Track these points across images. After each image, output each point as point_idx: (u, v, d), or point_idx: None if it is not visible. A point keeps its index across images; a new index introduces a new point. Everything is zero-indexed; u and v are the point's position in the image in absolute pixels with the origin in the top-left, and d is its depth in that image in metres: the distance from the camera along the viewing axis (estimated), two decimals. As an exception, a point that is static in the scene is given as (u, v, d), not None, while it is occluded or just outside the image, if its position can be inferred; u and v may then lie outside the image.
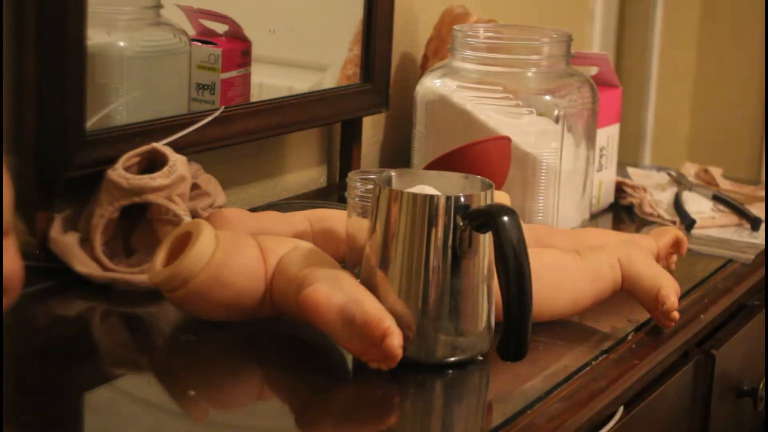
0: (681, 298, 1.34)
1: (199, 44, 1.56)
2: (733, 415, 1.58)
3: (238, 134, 1.57)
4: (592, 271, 1.32)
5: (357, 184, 1.31)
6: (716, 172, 1.96)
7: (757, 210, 1.79)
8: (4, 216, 0.90)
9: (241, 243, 1.22)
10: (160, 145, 1.37)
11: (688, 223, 1.72)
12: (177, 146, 1.40)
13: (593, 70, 1.84)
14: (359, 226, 1.29)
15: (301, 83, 1.73)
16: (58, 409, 1.07)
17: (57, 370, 1.14)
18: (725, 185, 1.94)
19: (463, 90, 1.62)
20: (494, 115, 1.60)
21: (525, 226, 1.17)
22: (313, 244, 1.26)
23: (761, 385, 1.58)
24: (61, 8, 1.31)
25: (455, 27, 1.67)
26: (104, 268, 1.32)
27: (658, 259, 1.45)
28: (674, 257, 1.50)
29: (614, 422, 1.23)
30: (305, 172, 1.79)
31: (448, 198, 1.14)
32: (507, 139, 1.52)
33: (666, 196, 1.81)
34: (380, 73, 1.80)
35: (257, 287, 1.20)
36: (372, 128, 1.90)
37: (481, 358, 1.19)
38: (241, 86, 1.60)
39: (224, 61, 1.57)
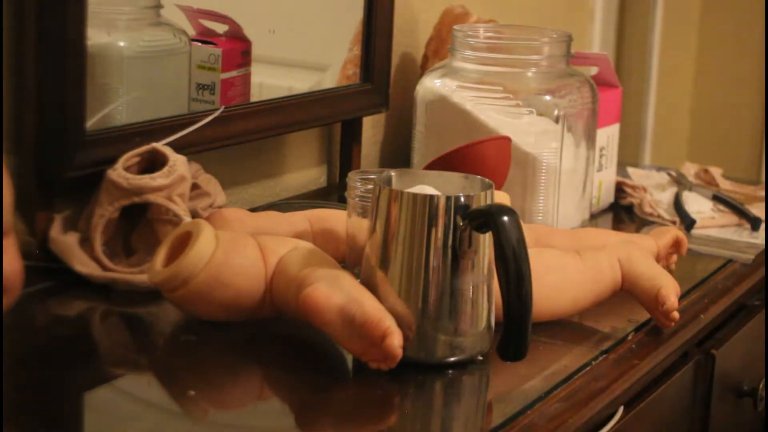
0: (681, 298, 1.34)
1: (199, 44, 1.56)
2: (733, 415, 1.58)
3: (238, 134, 1.57)
4: (592, 271, 1.32)
5: (357, 184, 1.31)
6: (716, 172, 1.96)
7: (757, 210, 1.79)
8: (4, 216, 0.90)
9: (241, 243, 1.22)
10: (160, 145, 1.37)
11: (688, 223, 1.72)
12: (177, 146, 1.40)
13: (593, 70, 1.84)
14: (359, 226, 1.29)
15: (301, 83, 1.73)
16: (58, 409, 1.07)
17: (57, 370, 1.14)
18: (725, 185, 1.94)
19: (463, 90, 1.62)
20: (494, 115, 1.60)
21: (525, 226, 1.17)
22: (313, 244, 1.26)
23: (761, 385, 1.58)
24: (61, 8, 1.31)
25: (455, 27, 1.67)
26: (104, 268, 1.32)
27: (658, 259, 1.45)
28: (674, 257, 1.50)
29: (614, 422, 1.23)
30: (305, 172, 1.79)
31: (448, 198, 1.14)
32: (507, 139, 1.52)
33: (666, 196, 1.81)
34: (380, 73, 1.80)
35: (257, 287, 1.20)
36: (372, 128, 1.90)
37: (481, 358, 1.19)
38: (241, 86, 1.60)
39: (224, 61, 1.57)
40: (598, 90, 1.67)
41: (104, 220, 1.33)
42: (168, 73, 1.52)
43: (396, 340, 1.11)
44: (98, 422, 1.06)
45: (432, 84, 1.64)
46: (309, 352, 1.20)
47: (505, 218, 1.12)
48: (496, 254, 1.12)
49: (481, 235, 1.15)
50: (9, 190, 0.92)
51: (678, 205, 1.77)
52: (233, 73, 1.58)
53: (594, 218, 1.76)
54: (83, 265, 1.32)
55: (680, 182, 1.87)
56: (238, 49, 1.59)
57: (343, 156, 1.81)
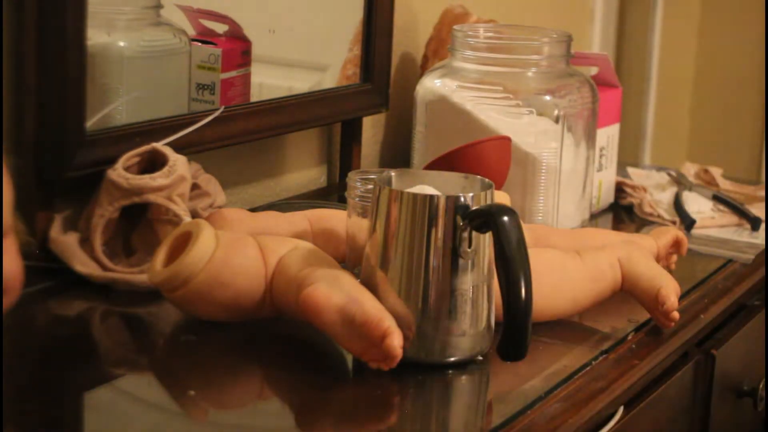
0: (681, 298, 1.34)
1: (199, 44, 1.56)
2: (733, 415, 1.58)
3: (238, 134, 1.57)
4: (592, 271, 1.32)
5: (357, 184, 1.31)
6: (716, 172, 1.96)
7: (757, 210, 1.79)
8: (4, 216, 0.90)
9: (241, 243, 1.22)
10: (160, 145, 1.37)
11: (688, 223, 1.72)
12: (177, 146, 1.40)
13: (593, 70, 1.84)
14: (359, 226, 1.29)
15: (301, 83, 1.73)
16: (58, 409, 1.07)
17: (57, 370, 1.14)
18: (725, 185, 1.94)
19: (463, 90, 1.62)
20: (494, 115, 1.60)
21: (525, 226, 1.17)
22: (313, 244, 1.26)
23: (761, 385, 1.58)
24: (61, 8, 1.31)
25: (455, 27, 1.67)
26: (104, 268, 1.32)
27: (658, 259, 1.45)
28: (674, 257, 1.50)
29: (614, 422, 1.23)
30: (305, 172, 1.79)
31: (448, 198, 1.14)
32: (507, 139, 1.52)
33: (666, 196, 1.81)
34: (380, 73, 1.80)
35: (257, 287, 1.20)
36: (372, 128, 1.90)
37: (481, 358, 1.19)
38: (241, 86, 1.60)
39: (224, 61, 1.57)
40: (598, 90, 1.67)
41: (104, 220, 1.33)
42: (168, 73, 1.52)
43: (396, 340, 1.11)
44: (98, 422, 1.06)
45: (432, 84, 1.64)
46: (309, 352, 1.20)
47: (505, 218, 1.12)
48: (496, 254, 1.12)
49: (481, 235, 1.15)
50: (9, 190, 0.92)
51: (678, 205, 1.77)
52: (233, 73, 1.58)
53: (594, 218, 1.76)
54: (83, 265, 1.32)
55: (680, 182, 1.87)
56: (238, 49, 1.59)
57: (343, 156, 1.81)
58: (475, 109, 1.60)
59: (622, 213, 1.81)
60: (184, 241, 1.21)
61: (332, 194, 1.77)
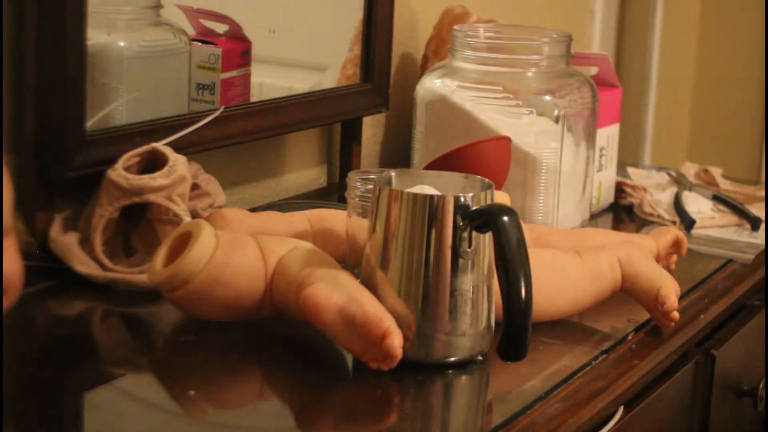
0: (681, 298, 1.34)
1: (199, 44, 1.56)
2: (733, 415, 1.58)
3: (238, 134, 1.57)
4: (592, 271, 1.32)
5: (357, 184, 1.31)
6: (716, 172, 1.96)
7: (757, 210, 1.79)
8: (4, 216, 0.90)
9: (241, 243, 1.22)
10: (160, 145, 1.37)
11: (688, 223, 1.72)
12: (177, 146, 1.40)
13: (593, 70, 1.84)
14: (359, 226, 1.29)
15: (301, 83, 1.73)
16: (58, 409, 1.07)
17: (57, 370, 1.14)
18: (725, 185, 1.94)
19: (463, 90, 1.62)
20: (494, 115, 1.60)
21: (525, 226, 1.17)
22: (313, 244, 1.26)
23: (761, 385, 1.58)
24: (61, 8, 1.31)
25: (455, 27, 1.67)
26: (104, 268, 1.32)
27: (658, 259, 1.45)
28: (674, 257, 1.50)
29: (614, 422, 1.23)
30: (305, 172, 1.79)
31: (448, 198, 1.14)
32: (507, 139, 1.52)
33: (666, 196, 1.81)
34: (380, 73, 1.80)
35: (257, 287, 1.20)
36: (372, 128, 1.90)
37: (481, 358, 1.19)
38: (241, 86, 1.60)
39: (224, 61, 1.57)
40: (598, 90, 1.67)
41: (104, 220, 1.33)
42: (168, 73, 1.52)
43: (396, 340, 1.10)
44: (98, 422, 1.06)
45: (432, 84, 1.64)
46: (309, 352, 1.20)
47: (505, 218, 1.12)
48: (496, 254, 1.12)
49: (481, 235, 1.15)
50: (9, 190, 0.92)
51: (678, 205, 1.77)
52: (233, 73, 1.58)
53: (594, 218, 1.76)
54: (83, 265, 1.32)
55: (680, 182, 1.87)
56: (238, 49, 1.59)
57: (343, 156, 1.81)
58: (475, 109, 1.60)
59: (622, 213, 1.81)
60: (184, 241, 1.21)
61: (332, 194, 1.77)
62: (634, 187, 1.82)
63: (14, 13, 1.31)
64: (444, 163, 1.45)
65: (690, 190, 1.84)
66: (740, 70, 2.92)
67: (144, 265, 1.32)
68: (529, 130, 1.59)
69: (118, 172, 1.33)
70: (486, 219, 1.13)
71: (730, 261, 1.61)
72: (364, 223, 1.25)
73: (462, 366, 1.17)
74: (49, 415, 1.05)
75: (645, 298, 1.32)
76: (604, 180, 1.78)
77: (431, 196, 1.15)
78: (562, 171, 1.60)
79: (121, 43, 1.45)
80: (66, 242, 1.33)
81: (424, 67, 1.90)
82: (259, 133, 1.61)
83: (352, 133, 1.81)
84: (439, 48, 1.88)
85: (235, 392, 1.14)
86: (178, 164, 1.35)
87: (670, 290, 1.31)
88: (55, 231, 1.34)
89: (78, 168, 1.35)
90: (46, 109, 1.32)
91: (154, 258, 1.22)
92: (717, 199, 1.81)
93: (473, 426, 1.13)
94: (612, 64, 1.85)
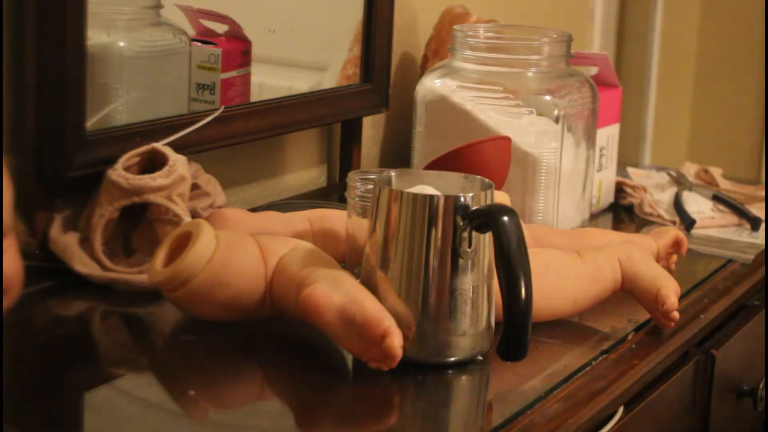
0: (681, 298, 1.34)
1: (199, 44, 1.56)
2: (733, 415, 1.58)
3: (238, 134, 1.57)
4: (592, 271, 1.32)
5: (357, 184, 1.31)
6: (716, 172, 1.96)
7: (757, 210, 1.79)
8: (4, 216, 0.90)
9: (241, 243, 1.22)
10: (160, 145, 1.37)
11: (688, 223, 1.72)
12: (177, 146, 1.40)
13: (593, 70, 1.84)
14: (359, 226, 1.29)
15: (301, 83, 1.73)
16: (58, 409, 1.07)
17: (57, 370, 1.14)
18: (725, 185, 1.94)
19: (463, 90, 1.62)
20: (494, 115, 1.60)
21: (525, 226, 1.17)
22: (313, 244, 1.26)
23: (761, 385, 1.58)
24: (61, 8, 1.31)
25: (455, 27, 1.67)
26: (104, 268, 1.32)
27: (658, 259, 1.45)
28: (674, 257, 1.50)
29: (614, 422, 1.23)
30: (305, 172, 1.79)
31: (448, 198, 1.14)
32: (507, 139, 1.52)
33: (666, 196, 1.81)
34: (380, 73, 1.80)
35: (257, 287, 1.20)
36: (372, 128, 1.90)
37: (481, 358, 1.19)
38: (241, 86, 1.60)
39: (224, 61, 1.57)
40: (598, 90, 1.67)
41: (104, 220, 1.33)
42: (168, 73, 1.52)
43: (396, 340, 1.10)
44: (98, 422, 1.06)
45: (432, 84, 1.64)
46: (309, 352, 1.20)
47: (505, 218, 1.12)
48: (496, 254, 1.12)
49: (481, 235, 1.15)
50: (9, 190, 0.92)
51: (678, 205, 1.77)
52: (233, 73, 1.58)
53: (594, 218, 1.76)
54: (83, 265, 1.32)
55: (680, 182, 1.87)
56: (238, 49, 1.59)
57: (343, 156, 1.81)
58: (475, 109, 1.60)
59: (622, 213, 1.81)
60: (184, 241, 1.21)
61: (332, 194, 1.77)
62: (634, 187, 1.82)
63: (14, 14, 1.31)
64: (444, 163, 1.45)
65: (690, 190, 1.84)
66: (740, 70, 2.92)
67: (144, 265, 1.32)
68: (529, 130, 1.59)
69: (118, 172, 1.33)
70: (486, 219, 1.13)
71: (730, 261, 1.61)
72: (364, 223, 1.25)
73: (462, 366, 1.17)
74: (49, 415, 1.05)
75: (645, 298, 1.32)
76: (604, 180, 1.78)
77: (431, 196, 1.15)
78: (562, 171, 1.60)
79: (121, 43, 1.45)
80: (66, 242, 1.33)
81: (424, 67, 1.90)
82: (259, 133, 1.61)
83: (352, 133, 1.81)
84: (439, 48, 1.88)
85: (235, 392, 1.14)
86: (178, 164, 1.35)
87: (670, 290, 1.31)
88: (55, 231, 1.34)
89: (78, 168, 1.35)
90: (46, 109, 1.32)
91: (154, 258, 1.22)
92: (717, 199, 1.81)
93: (473, 426, 1.13)
94: (612, 64, 1.85)
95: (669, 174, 1.93)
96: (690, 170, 1.96)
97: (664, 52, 2.84)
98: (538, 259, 1.25)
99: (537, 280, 1.14)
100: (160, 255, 1.22)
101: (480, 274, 1.16)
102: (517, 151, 1.57)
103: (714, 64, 2.96)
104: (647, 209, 1.78)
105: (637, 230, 1.72)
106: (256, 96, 1.62)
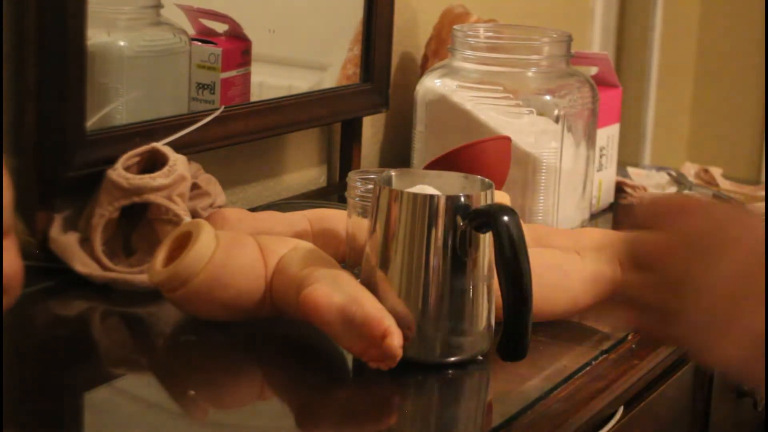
0: (681, 298, 1.34)
1: (199, 44, 1.56)
2: (733, 415, 1.58)
3: (238, 134, 1.57)
4: (592, 271, 1.32)
5: (357, 184, 1.31)
6: (716, 172, 1.96)
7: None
8: (4, 216, 0.90)
9: (241, 243, 1.22)
10: (160, 145, 1.37)
11: (688, 223, 1.72)
12: (177, 146, 1.40)
13: (593, 70, 1.84)
14: (359, 226, 1.29)
15: (301, 83, 1.73)
16: (58, 409, 1.07)
17: (57, 370, 1.14)
18: (725, 185, 1.94)
19: (463, 90, 1.62)
20: (494, 115, 1.60)
21: (525, 226, 1.17)
22: (313, 244, 1.26)
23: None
24: (61, 8, 1.31)
25: (455, 27, 1.67)
26: (104, 268, 1.32)
27: (658, 259, 1.44)
28: (674, 257, 1.50)
29: (614, 422, 1.23)
30: (305, 172, 1.79)
31: (448, 198, 1.14)
32: (507, 139, 1.52)
33: (666, 196, 1.81)
34: (380, 73, 1.80)
35: (257, 287, 1.20)
36: (372, 128, 1.90)
37: (481, 358, 1.19)
38: (241, 86, 1.60)
39: (224, 60, 1.57)
40: (598, 90, 1.67)
41: (104, 220, 1.33)
42: (168, 73, 1.52)
43: (396, 340, 1.10)
44: (98, 422, 1.06)
45: (432, 84, 1.64)
46: (309, 352, 1.20)
47: (505, 218, 1.12)
48: (496, 254, 1.12)
49: (481, 235, 1.15)
50: (9, 190, 0.92)
51: (678, 205, 1.77)
52: (233, 73, 1.58)
53: (594, 218, 1.76)
54: (83, 265, 1.32)
55: (680, 182, 1.87)
56: (238, 48, 1.59)
57: (343, 156, 1.81)
58: (475, 109, 1.60)
59: (622, 213, 1.81)
60: (184, 241, 1.21)
61: (332, 194, 1.77)
62: (634, 187, 1.82)
63: (14, 13, 1.31)
64: (444, 163, 1.45)
65: (690, 190, 1.84)
66: (740, 71, 2.92)
67: (144, 265, 1.32)
68: (529, 130, 1.59)
69: (118, 172, 1.33)
70: (486, 219, 1.13)
71: (730, 261, 1.60)
72: (364, 223, 1.25)
73: (462, 366, 1.17)
74: (49, 415, 1.05)
75: (645, 298, 1.32)
76: (604, 180, 1.78)
77: (431, 196, 1.14)
78: (562, 171, 1.60)
79: (121, 43, 1.45)
80: (66, 242, 1.33)
81: (424, 67, 1.90)
82: (259, 132, 1.61)
83: (352, 133, 1.81)
84: (439, 48, 1.88)
85: (235, 392, 1.14)
86: (178, 164, 1.35)
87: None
88: (55, 231, 1.34)
89: (78, 168, 1.35)
90: (46, 109, 1.32)
91: (154, 258, 1.22)
92: (717, 199, 1.81)
93: (473, 426, 1.13)
94: (612, 64, 1.85)
95: (669, 174, 1.93)
96: (690, 170, 1.96)
97: (664, 52, 2.84)
98: (538, 259, 1.24)
99: (537, 280, 1.14)
100: (160, 255, 1.22)
101: (480, 274, 1.16)
102: (517, 151, 1.57)
103: (714, 64, 2.96)
104: (647, 209, 1.77)
105: (637, 230, 1.72)
106: (256, 96, 1.62)
